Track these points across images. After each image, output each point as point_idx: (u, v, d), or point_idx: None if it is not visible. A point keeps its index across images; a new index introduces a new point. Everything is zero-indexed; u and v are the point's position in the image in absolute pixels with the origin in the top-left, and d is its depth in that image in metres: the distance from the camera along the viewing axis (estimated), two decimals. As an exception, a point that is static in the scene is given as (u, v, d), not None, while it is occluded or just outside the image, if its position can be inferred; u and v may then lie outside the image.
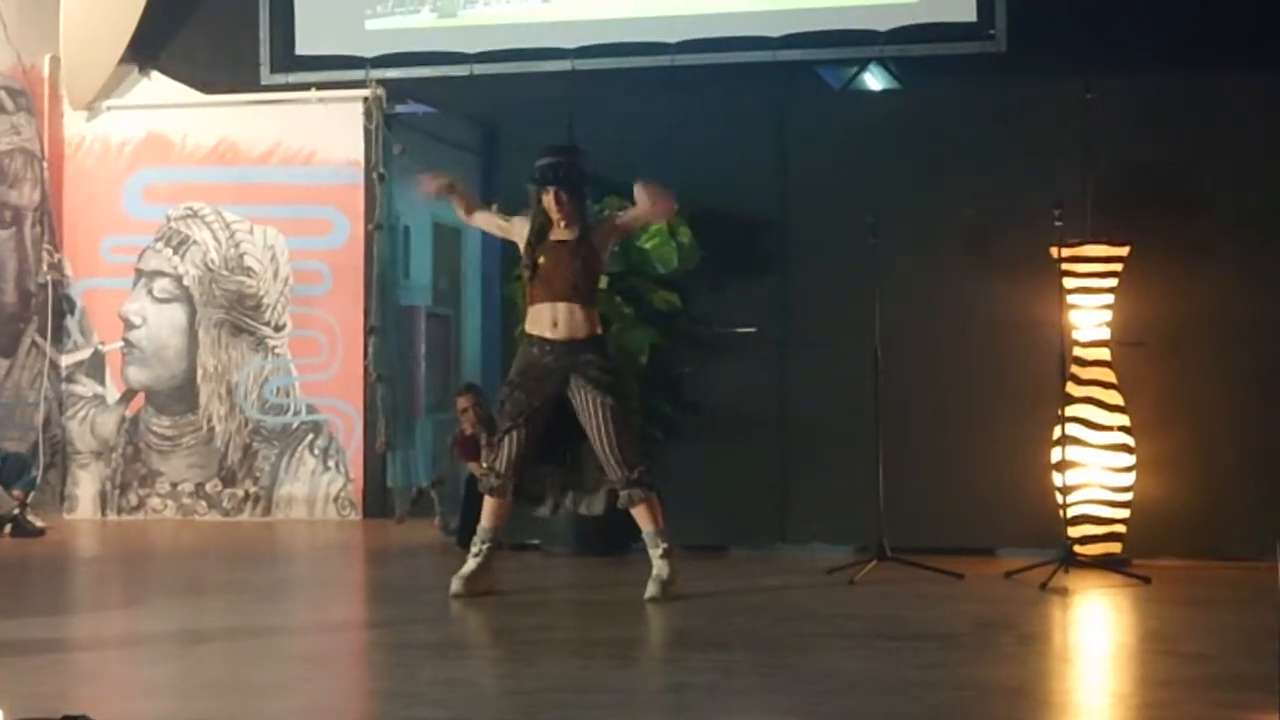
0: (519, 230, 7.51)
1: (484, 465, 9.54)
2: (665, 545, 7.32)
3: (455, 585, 7.38)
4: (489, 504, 7.47)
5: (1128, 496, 8.44)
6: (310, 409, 11.59)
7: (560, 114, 9.43)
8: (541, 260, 7.37)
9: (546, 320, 7.36)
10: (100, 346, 11.92)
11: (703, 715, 4.96)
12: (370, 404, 11.42)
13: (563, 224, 7.39)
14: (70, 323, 11.95)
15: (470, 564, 7.45)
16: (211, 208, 11.76)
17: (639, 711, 5.09)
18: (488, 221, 7.81)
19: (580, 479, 7.56)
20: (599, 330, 7.49)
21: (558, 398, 7.34)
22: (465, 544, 9.40)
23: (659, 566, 7.30)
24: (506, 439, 7.38)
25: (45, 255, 11.82)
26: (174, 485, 11.70)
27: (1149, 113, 8.79)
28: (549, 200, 7.39)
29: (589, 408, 7.28)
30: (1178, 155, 8.73)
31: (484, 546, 7.46)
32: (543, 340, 7.37)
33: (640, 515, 7.35)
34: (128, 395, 11.84)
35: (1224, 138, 8.70)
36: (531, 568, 8.67)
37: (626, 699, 5.25)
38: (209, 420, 11.68)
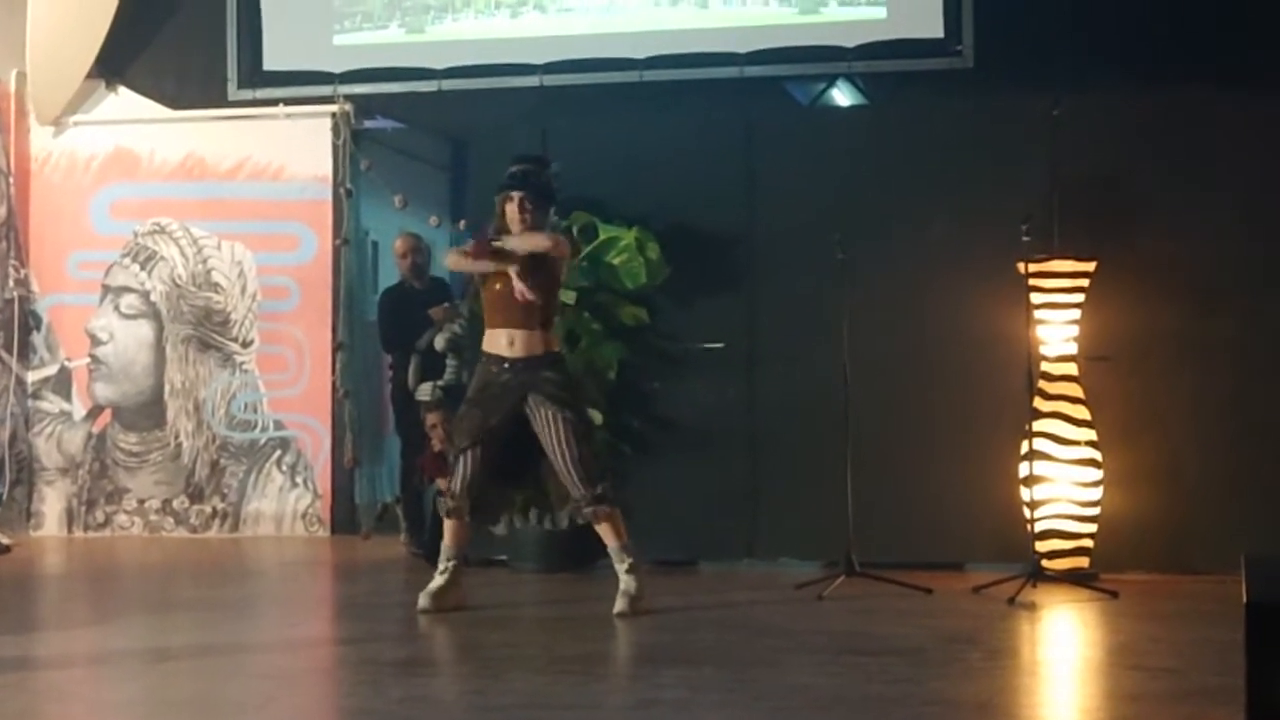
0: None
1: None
2: (630, 560, 7.33)
3: (423, 601, 7.38)
4: (448, 525, 7.50)
5: (1095, 511, 8.47)
6: (278, 425, 11.55)
7: (529, 129, 9.45)
8: (499, 286, 7.35)
9: (503, 341, 7.36)
10: (67, 363, 11.87)
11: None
12: (338, 420, 11.40)
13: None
14: (36, 339, 11.90)
15: (437, 580, 7.46)
16: (179, 223, 11.72)
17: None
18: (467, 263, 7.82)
19: (543, 496, 7.56)
20: (556, 347, 7.50)
21: (516, 416, 7.33)
22: (434, 560, 9.44)
23: (625, 582, 7.30)
24: (462, 459, 7.39)
25: (11, 271, 11.77)
26: (141, 502, 11.65)
27: (1115, 128, 8.83)
28: (511, 209, 7.37)
29: (548, 424, 7.27)
30: (1144, 171, 8.77)
31: (449, 564, 7.47)
32: (499, 358, 7.37)
33: (604, 531, 7.36)
34: (94, 412, 11.79)
35: (1190, 153, 8.74)
36: (498, 583, 8.66)
37: (594, 715, 5.26)
38: (176, 436, 11.64)
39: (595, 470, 7.35)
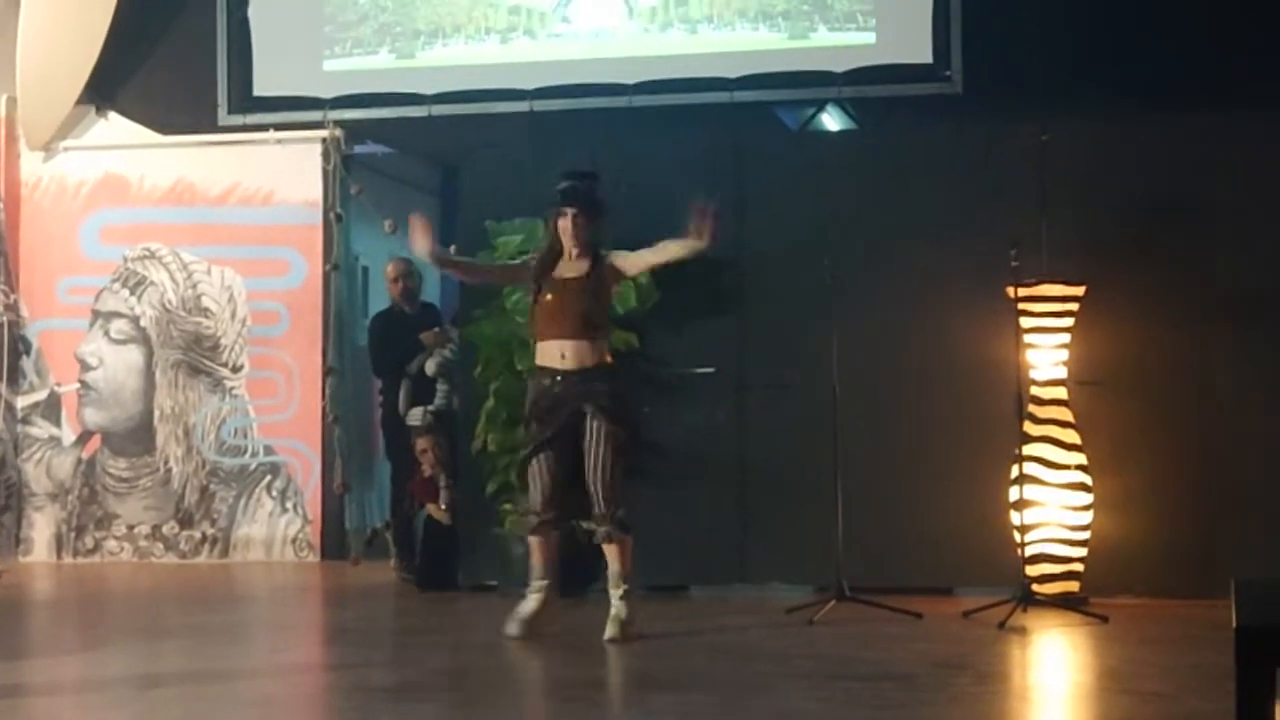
0: (529, 266, 7.52)
1: (443, 508, 9.57)
2: (626, 587, 7.33)
3: (512, 627, 7.31)
4: (534, 543, 7.42)
5: (1085, 535, 8.48)
6: (268, 450, 11.54)
7: (519, 155, 9.46)
8: (549, 297, 7.33)
9: (555, 353, 7.32)
10: (56, 388, 11.86)
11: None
12: (328, 445, 11.39)
13: (574, 252, 7.38)
14: (26, 364, 11.89)
15: (529, 603, 7.39)
16: (169, 248, 11.72)
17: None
18: (501, 275, 7.81)
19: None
20: (609, 359, 7.43)
21: (574, 426, 7.29)
22: (424, 585, 9.44)
23: (618, 607, 7.30)
24: (533, 472, 7.33)
25: (1, 296, 11.77)
26: (130, 527, 11.64)
27: (1103, 153, 8.85)
28: (564, 224, 7.35)
29: (594, 437, 7.25)
30: (1133, 195, 8.79)
31: (541, 584, 7.40)
32: (552, 371, 7.33)
33: (612, 554, 7.35)
34: (84, 437, 11.78)
35: (1179, 178, 8.77)
36: (490, 609, 8.63)
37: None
38: (166, 462, 11.63)
39: (620, 493, 7.32)
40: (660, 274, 8.92)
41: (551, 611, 7.44)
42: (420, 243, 7.57)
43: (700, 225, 7.21)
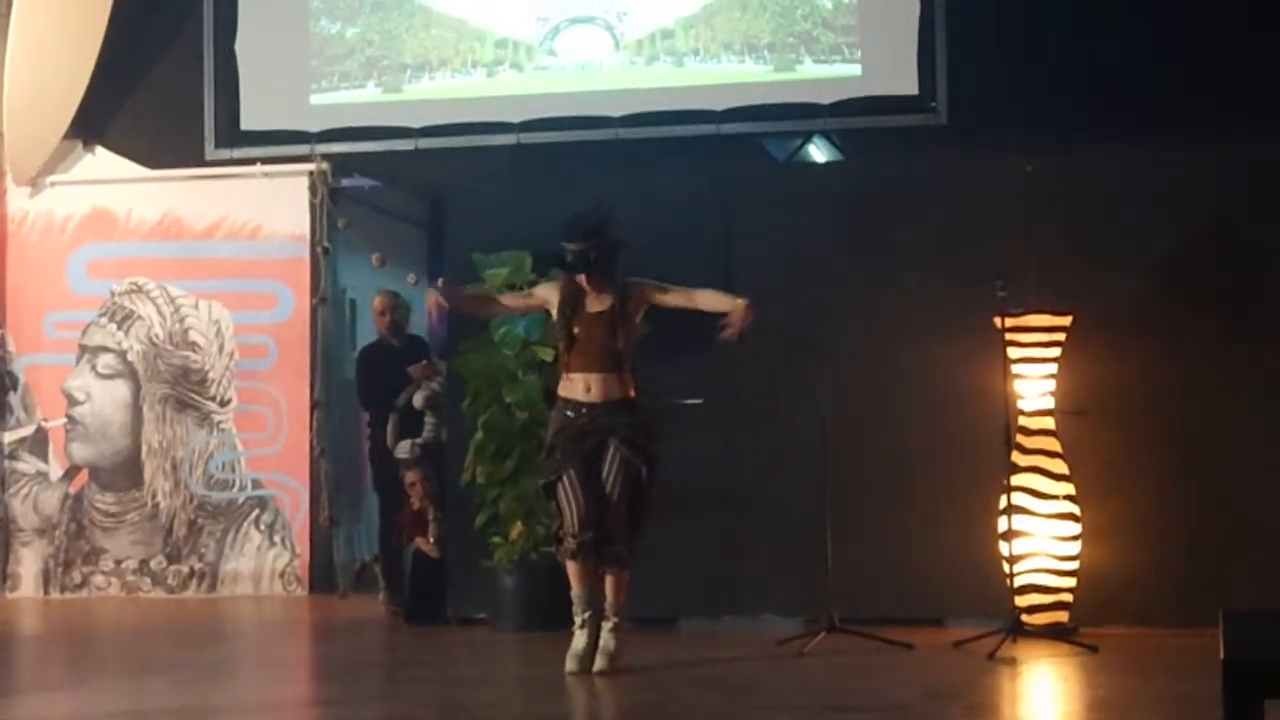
0: (545, 295, 7.51)
1: (431, 541, 9.57)
2: (617, 620, 7.32)
3: (570, 664, 7.27)
4: (572, 569, 7.37)
5: (1074, 565, 8.48)
6: (256, 484, 11.54)
7: (505, 188, 9.48)
8: (577, 331, 7.34)
9: (580, 387, 7.34)
10: (43, 423, 11.85)
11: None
12: (316, 479, 11.39)
13: (596, 295, 7.39)
14: (13, 399, 11.89)
15: (579, 639, 7.34)
16: (156, 283, 11.73)
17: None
18: (515, 302, 7.83)
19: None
20: (633, 393, 7.44)
21: (596, 456, 7.29)
22: (413, 619, 9.42)
23: (606, 640, 7.29)
24: (562, 493, 7.30)
25: (-13, 332, 11.78)
26: (118, 562, 11.62)
27: (1088, 184, 8.88)
28: (581, 280, 7.38)
29: (614, 466, 7.26)
30: (1118, 225, 8.82)
31: (585, 616, 7.37)
32: (576, 403, 7.34)
33: (610, 585, 7.34)
34: (71, 472, 11.77)
35: (1164, 207, 8.80)
36: (478, 643, 8.64)
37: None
38: (153, 496, 11.62)
39: (628, 529, 7.30)
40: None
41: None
42: (443, 303, 7.76)
43: (736, 323, 7.24)
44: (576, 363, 7.36)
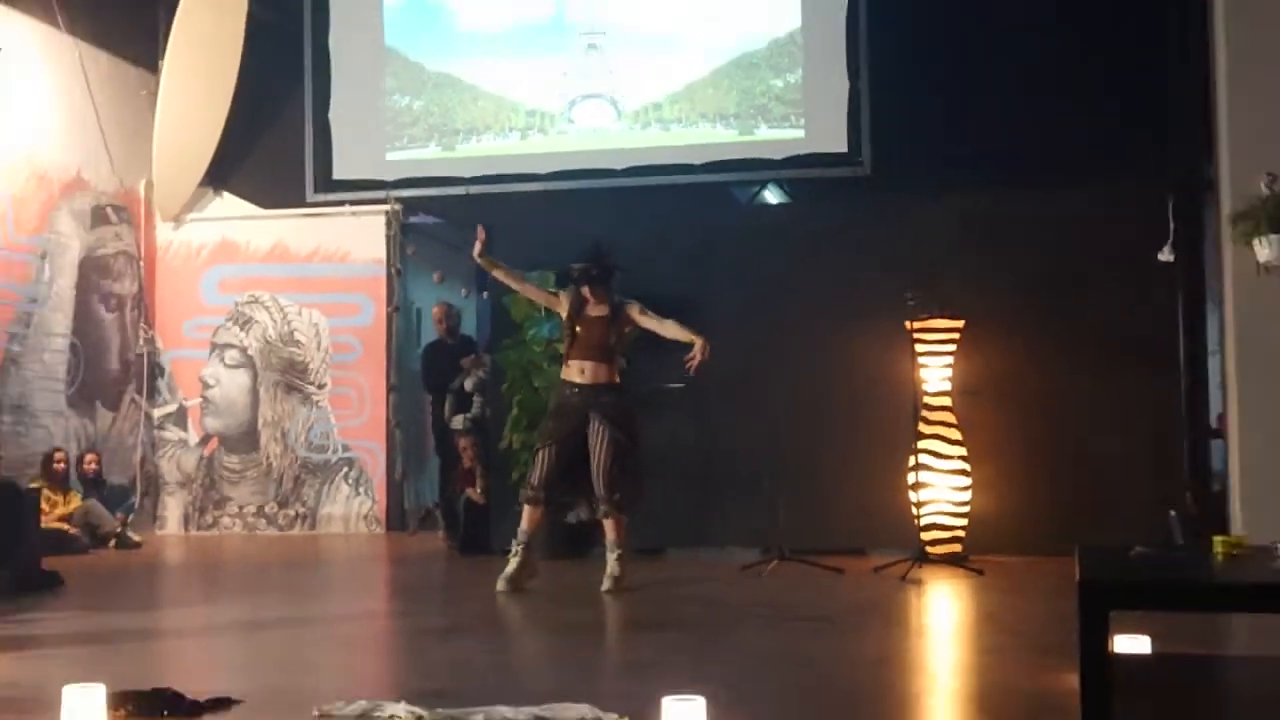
0: (564, 303, 7.47)
1: (479, 492, 9.57)
2: (620, 551, 7.31)
3: (500, 585, 7.22)
4: (526, 511, 7.34)
5: (966, 509, 8.50)
6: (345, 448, 11.54)
7: (536, 223, 9.47)
8: (579, 329, 7.33)
9: (576, 370, 7.32)
10: (184, 402, 11.85)
11: (650, 683, 4.95)
12: (391, 444, 11.40)
13: (596, 303, 7.38)
14: (161, 384, 11.88)
15: (511, 564, 7.31)
16: (269, 295, 11.73)
17: (600, 679, 5.09)
18: (538, 293, 7.79)
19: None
20: (617, 379, 7.38)
21: (582, 430, 7.24)
22: (465, 551, 9.42)
23: (612, 566, 7.29)
24: (538, 457, 7.28)
25: (141, 332, 11.76)
26: (241, 508, 11.63)
27: (978, 222, 8.89)
28: (585, 290, 7.38)
29: (597, 436, 7.22)
30: (1003, 253, 8.82)
31: (519, 546, 7.32)
32: (572, 384, 7.32)
33: (609, 526, 7.32)
34: (205, 439, 11.77)
35: (1029, 242, 8.81)
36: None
37: (589, 669, 5.26)
38: (268, 458, 11.62)
39: (617, 482, 7.23)
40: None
41: (530, 568, 7.35)
42: (477, 246, 7.58)
43: (695, 361, 7.18)
44: (576, 353, 7.34)
